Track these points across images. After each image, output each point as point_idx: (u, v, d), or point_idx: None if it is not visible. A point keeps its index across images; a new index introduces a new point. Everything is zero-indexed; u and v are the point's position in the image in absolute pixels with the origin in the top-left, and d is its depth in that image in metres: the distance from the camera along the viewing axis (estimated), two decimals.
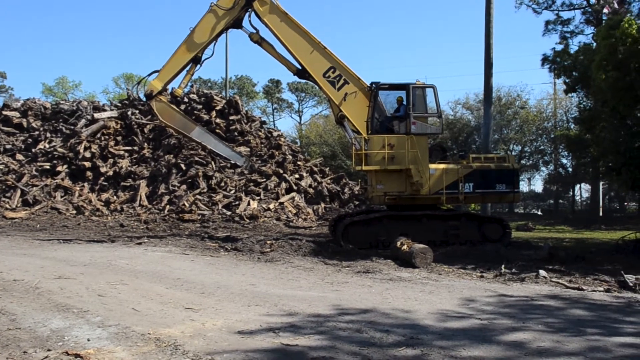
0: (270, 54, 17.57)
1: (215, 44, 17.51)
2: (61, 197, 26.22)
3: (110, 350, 5.93)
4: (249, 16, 17.32)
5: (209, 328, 6.87)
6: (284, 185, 27.00)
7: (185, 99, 31.67)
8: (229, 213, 24.29)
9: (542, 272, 11.71)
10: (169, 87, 18.89)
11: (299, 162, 29.36)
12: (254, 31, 17.47)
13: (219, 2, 16.97)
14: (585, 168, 34.77)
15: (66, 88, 66.51)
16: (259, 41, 17.49)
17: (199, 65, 17.53)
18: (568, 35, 31.43)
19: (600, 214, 35.56)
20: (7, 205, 24.93)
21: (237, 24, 17.42)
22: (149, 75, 17.60)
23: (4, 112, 31.31)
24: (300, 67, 17.32)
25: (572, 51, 20.79)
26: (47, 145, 29.04)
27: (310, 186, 27.78)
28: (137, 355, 5.79)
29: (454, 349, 6.18)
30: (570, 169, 41.67)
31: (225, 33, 18.36)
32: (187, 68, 17.41)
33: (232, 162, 19.27)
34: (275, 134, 32.81)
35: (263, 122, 34.94)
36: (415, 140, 16.26)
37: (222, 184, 26.59)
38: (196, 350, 5.92)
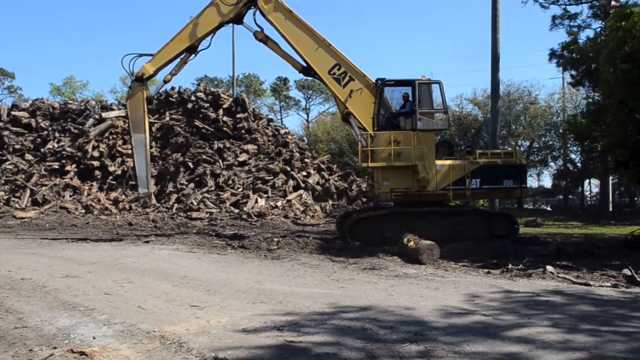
0: (275, 52, 17.58)
1: (213, 37, 17.57)
2: (70, 196, 26.40)
3: (115, 347, 5.97)
4: (254, 14, 17.35)
5: (213, 325, 6.89)
6: (291, 182, 27.05)
7: (193, 98, 31.78)
8: (236, 211, 24.38)
9: (549, 268, 11.65)
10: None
11: (306, 160, 29.41)
12: (259, 29, 17.48)
13: None
14: (594, 163, 34.53)
15: (74, 88, 66.88)
16: (264, 39, 17.51)
17: (193, 55, 17.59)
18: (575, 29, 31.19)
19: (610, 209, 35.30)
20: (17, 205, 25.15)
21: (238, 19, 17.45)
22: (140, 55, 17.52)
23: (13, 113, 31.52)
24: (305, 65, 17.33)
25: (580, 43, 20.60)
26: (56, 145, 29.23)
27: (317, 183, 27.82)
28: (141, 352, 5.82)
29: (458, 345, 6.18)
30: (579, 164, 41.41)
31: (232, 28, 18.41)
32: (182, 56, 17.46)
33: (137, 186, 18.74)
34: (282, 131, 32.88)
35: (270, 120, 35.05)
36: (422, 136, 16.21)
37: (230, 182, 26.69)
38: (200, 348, 5.94)
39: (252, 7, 17.24)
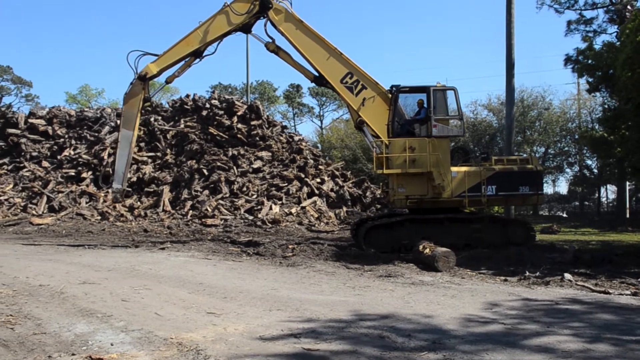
0: (287, 63, 17.63)
1: (219, 43, 17.65)
2: (86, 203, 26.59)
3: (133, 354, 5.98)
4: (265, 25, 17.40)
5: (230, 333, 6.88)
6: (305, 189, 27.03)
7: (207, 105, 31.94)
8: (251, 218, 24.40)
9: (567, 276, 11.54)
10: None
11: (320, 166, 29.38)
12: (270, 40, 17.55)
13: (233, 5, 17.08)
14: (611, 169, 34.23)
15: (89, 96, 67.56)
16: (275, 50, 17.57)
17: (198, 59, 17.67)
18: (591, 34, 30.96)
19: (627, 215, 34.93)
20: (34, 212, 25.38)
21: (246, 28, 17.50)
22: (145, 54, 17.55)
23: (30, 120, 31.90)
24: (317, 74, 17.35)
25: (596, 49, 20.46)
26: (72, 152, 29.51)
27: (332, 190, 27.77)
28: (159, 359, 5.82)
29: (477, 354, 6.12)
30: (595, 170, 41.06)
31: (246, 35, 18.38)
32: (186, 59, 17.57)
33: (111, 180, 18.76)
34: (296, 138, 32.90)
35: (284, 127, 35.11)
36: (437, 143, 16.15)
37: (244, 188, 26.73)
38: (218, 355, 5.94)
39: (263, 17, 17.30)
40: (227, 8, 17.13)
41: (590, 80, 20.48)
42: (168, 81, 18.44)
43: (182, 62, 17.65)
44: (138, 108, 17.77)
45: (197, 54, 17.52)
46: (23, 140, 30.56)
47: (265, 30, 17.54)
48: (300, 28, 17.12)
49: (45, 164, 29.23)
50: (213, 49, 17.69)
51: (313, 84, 18.46)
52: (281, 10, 17.13)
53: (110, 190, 19.83)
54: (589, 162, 42.61)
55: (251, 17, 17.23)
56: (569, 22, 32.01)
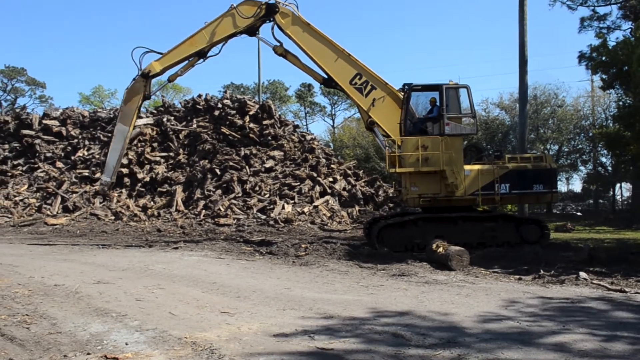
0: (295, 66, 17.69)
1: (224, 45, 17.73)
2: (100, 203, 26.77)
3: (147, 354, 6.00)
4: (272, 28, 17.47)
5: (244, 332, 6.89)
6: (318, 188, 27.03)
7: (219, 105, 32.02)
8: (263, 217, 24.44)
9: (582, 274, 11.43)
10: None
11: (332, 165, 29.36)
12: (277, 43, 17.58)
13: (240, 8, 17.14)
14: (626, 166, 33.85)
15: (102, 97, 67.93)
16: (284, 54, 17.63)
17: (202, 60, 17.79)
18: (605, 31, 30.62)
19: None
20: (49, 212, 25.61)
21: (251, 31, 17.56)
22: (150, 51, 17.59)
23: (44, 121, 32.16)
24: (326, 76, 17.38)
25: (610, 46, 20.26)
26: (86, 153, 29.73)
27: (344, 189, 27.74)
28: (174, 359, 5.84)
29: (492, 352, 6.08)
30: (610, 168, 40.64)
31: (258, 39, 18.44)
32: (190, 59, 17.67)
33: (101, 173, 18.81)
34: (308, 137, 32.90)
35: (296, 126, 35.13)
36: (450, 141, 16.07)
37: (257, 188, 26.78)
38: (232, 354, 5.94)
39: (269, 21, 17.35)
40: (233, 10, 17.20)
41: (604, 77, 20.27)
42: (170, 79, 18.55)
43: (186, 62, 17.75)
44: (137, 105, 18.04)
45: (201, 55, 17.63)
46: (37, 141, 30.83)
47: (273, 33, 17.61)
48: (307, 31, 17.14)
49: (59, 164, 29.47)
50: (217, 50, 17.84)
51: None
52: (288, 13, 17.16)
53: (98, 182, 20.03)
54: (603, 159, 42.18)
55: (257, 21, 17.29)
56: (582, 19, 31.62)
